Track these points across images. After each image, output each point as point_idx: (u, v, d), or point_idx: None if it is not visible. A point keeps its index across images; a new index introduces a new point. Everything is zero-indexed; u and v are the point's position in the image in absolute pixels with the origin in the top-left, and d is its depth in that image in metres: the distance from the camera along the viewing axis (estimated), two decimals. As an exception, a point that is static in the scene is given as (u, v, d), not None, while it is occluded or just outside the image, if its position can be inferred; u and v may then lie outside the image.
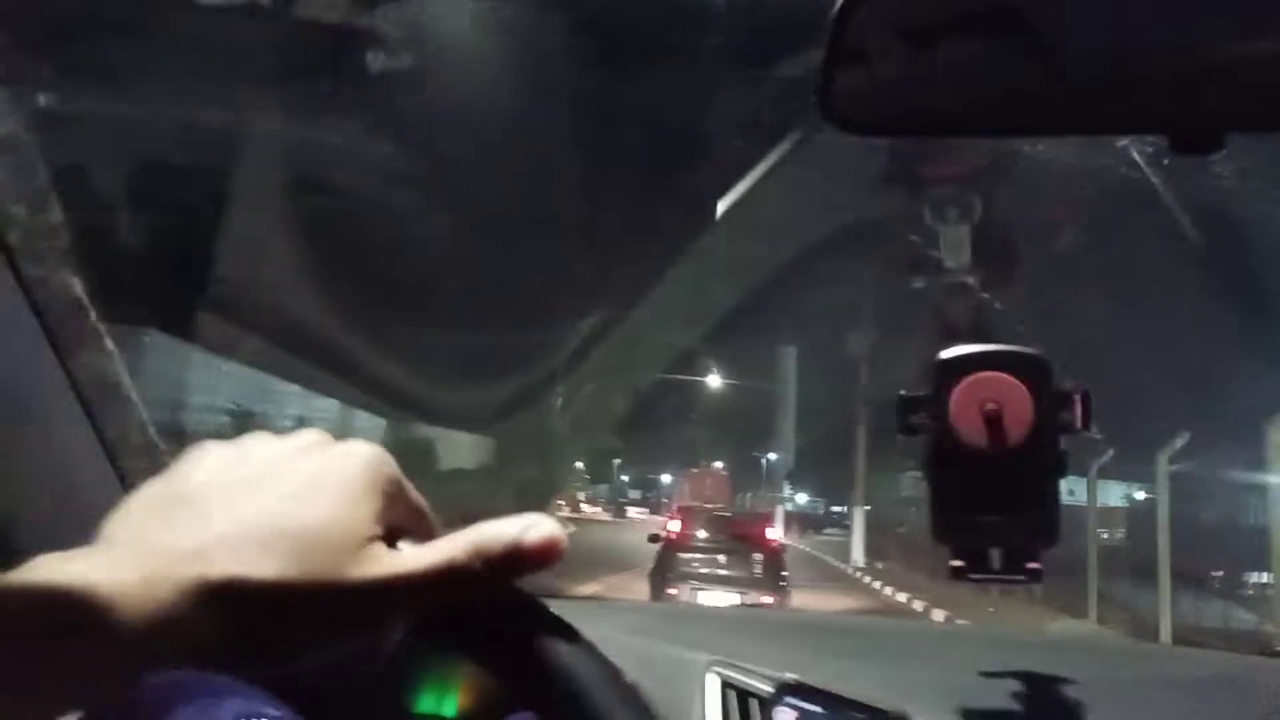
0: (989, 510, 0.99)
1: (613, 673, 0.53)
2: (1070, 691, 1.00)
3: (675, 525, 11.82)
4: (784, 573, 10.81)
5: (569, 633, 0.53)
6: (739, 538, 11.16)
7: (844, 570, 20.15)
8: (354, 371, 14.90)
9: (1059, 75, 0.82)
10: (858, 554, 21.33)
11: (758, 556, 10.83)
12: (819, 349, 26.54)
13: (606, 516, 34.49)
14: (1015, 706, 0.96)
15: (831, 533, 40.24)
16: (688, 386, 30.25)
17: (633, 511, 41.64)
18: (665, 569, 10.50)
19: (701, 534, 11.27)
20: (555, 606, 0.56)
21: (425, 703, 0.95)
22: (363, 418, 15.51)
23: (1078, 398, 1.09)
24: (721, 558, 10.62)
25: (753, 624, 1.22)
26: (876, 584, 17.99)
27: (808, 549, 26.69)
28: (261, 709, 0.98)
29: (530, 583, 0.55)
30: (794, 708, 0.85)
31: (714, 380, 29.01)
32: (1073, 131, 0.90)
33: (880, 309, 19.76)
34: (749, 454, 35.60)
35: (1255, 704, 0.99)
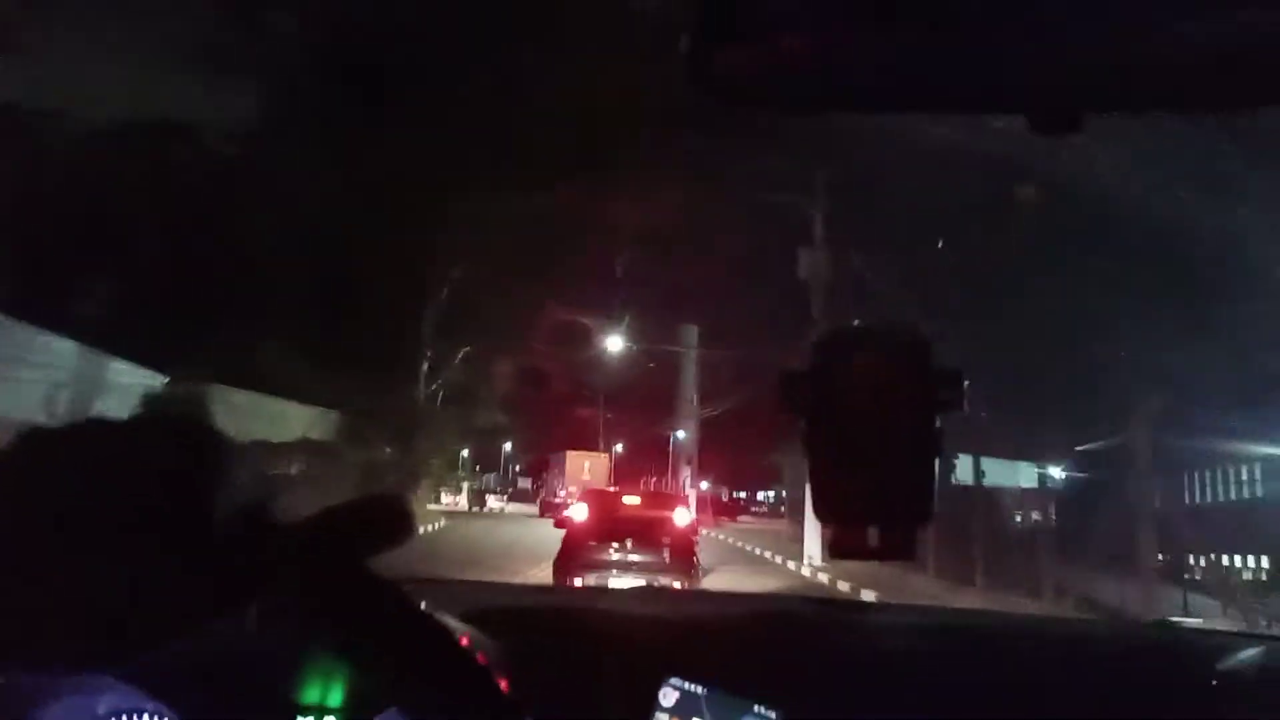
0: (867, 488, 1.00)
1: (476, 664, 0.52)
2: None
3: (579, 511, 11.11)
4: (696, 559, 10.37)
5: (430, 622, 0.52)
6: (647, 523, 10.41)
7: (799, 573, 15.14)
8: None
9: (941, 51, 0.83)
10: (813, 547, 15.20)
11: (667, 542, 10.17)
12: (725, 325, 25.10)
13: (465, 507, 32.70)
14: (884, 684, 0.98)
15: (747, 520, 39.12)
16: (588, 360, 28.01)
17: (493, 501, 39.99)
18: (569, 558, 9.82)
19: (606, 520, 10.50)
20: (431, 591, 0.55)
21: (310, 693, 0.93)
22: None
23: (956, 377, 1.10)
24: (629, 544, 9.91)
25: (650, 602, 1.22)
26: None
27: (729, 539, 23.64)
28: (139, 704, 0.95)
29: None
30: (677, 688, 0.86)
31: (614, 344, 26.75)
32: (942, 109, 0.91)
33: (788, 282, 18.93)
34: (658, 432, 33.45)
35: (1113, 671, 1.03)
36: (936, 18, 0.80)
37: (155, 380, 13.69)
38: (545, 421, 38.96)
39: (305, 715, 0.98)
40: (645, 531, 10.12)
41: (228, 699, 0.97)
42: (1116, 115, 0.95)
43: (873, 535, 1.10)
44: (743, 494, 45.75)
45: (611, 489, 14.49)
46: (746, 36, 0.89)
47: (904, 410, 1.12)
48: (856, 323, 1.05)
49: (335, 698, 0.98)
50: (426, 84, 17.48)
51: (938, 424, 1.15)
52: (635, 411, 35.13)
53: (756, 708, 0.88)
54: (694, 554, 10.36)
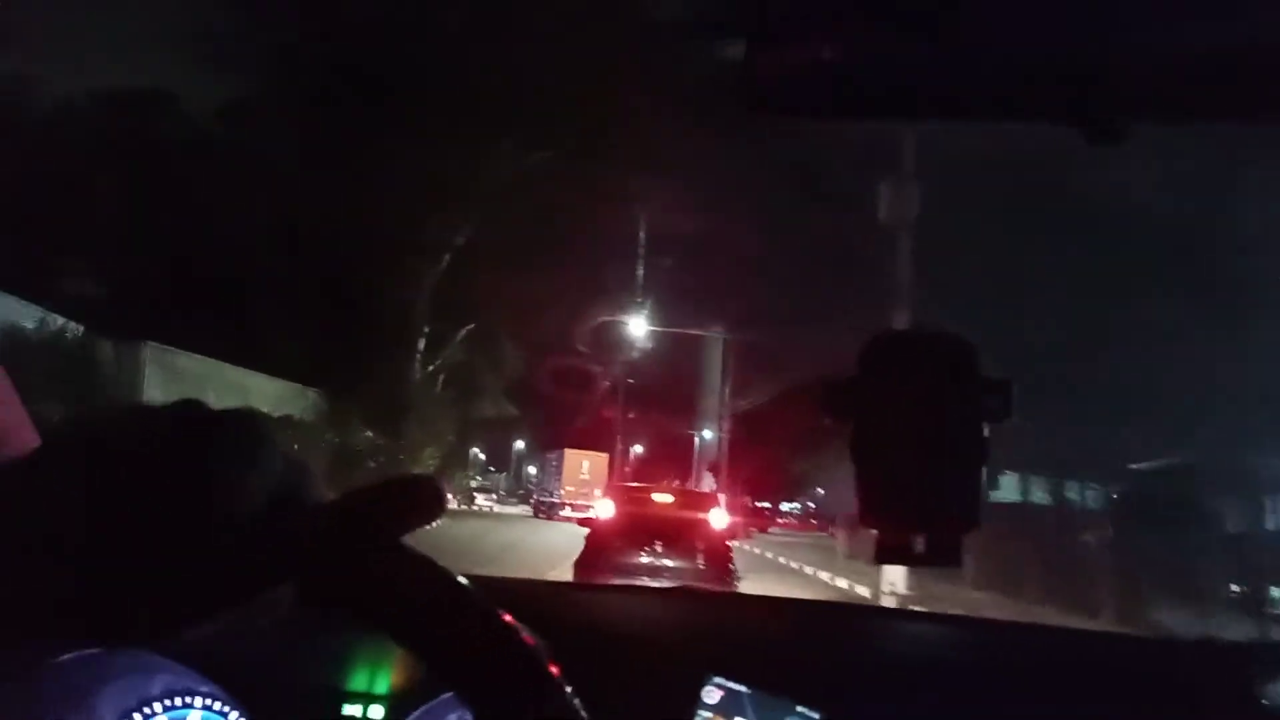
0: (914, 496, 1.01)
1: (532, 650, 0.53)
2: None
3: (606, 509, 10.14)
4: (732, 566, 9.48)
5: (485, 608, 0.53)
6: (679, 524, 9.47)
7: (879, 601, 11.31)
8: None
9: (981, 59, 0.84)
10: (895, 575, 11.66)
11: (701, 546, 9.28)
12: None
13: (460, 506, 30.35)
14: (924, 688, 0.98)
15: (778, 531, 37.40)
16: (608, 346, 24.96)
17: (481, 500, 37.64)
18: (592, 561, 8.90)
19: (634, 519, 9.53)
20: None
21: (357, 680, 0.95)
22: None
23: (1004, 385, 1.11)
24: (659, 547, 9.01)
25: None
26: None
27: (766, 552, 21.35)
28: (192, 686, 0.98)
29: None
30: (721, 687, 0.87)
31: (637, 328, 23.78)
32: (991, 117, 0.92)
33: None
34: (681, 432, 30.64)
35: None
36: (971, 25, 0.81)
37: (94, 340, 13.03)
38: (558, 416, 36.12)
39: (352, 702, 0.99)
40: (677, 533, 9.22)
41: (278, 684, 0.99)
42: (1166, 125, 0.95)
43: (919, 542, 1.10)
44: (766, 504, 43.44)
45: (639, 485, 12.81)
46: (784, 44, 0.90)
47: (952, 418, 1.12)
48: (903, 328, 1.05)
49: (382, 684, 1.00)
50: (427, 40, 16.67)
51: (985, 432, 1.15)
52: (658, 409, 32.36)
53: (800, 708, 0.89)
54: (730, 560, 9.58)
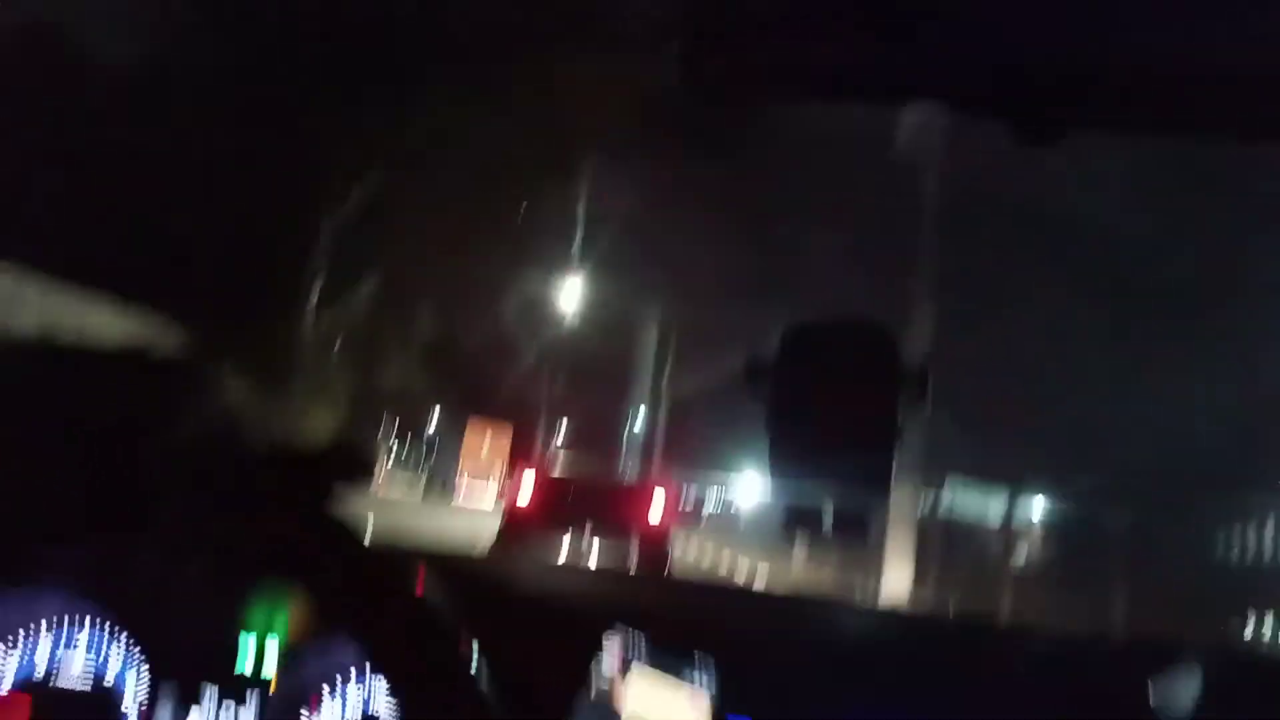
0: (825, 473, 1.02)
1: (433, 611, 0.54)
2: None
3: (523, 494, 9.19)
4: (671, 560, 8.92)
5: (389, 565, 0.54)
6: (611, 514, 8.69)
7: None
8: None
9: (923, 51, 0.86)
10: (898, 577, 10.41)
11: (636, 536, 8.55)
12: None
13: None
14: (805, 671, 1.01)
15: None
16: (536, 315, 21.93)
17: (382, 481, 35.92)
18: (506, 550, 8.00)
19: (558, 503, 8.73)
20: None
21: (255, 612, 0.95)
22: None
23: (921, 372, 1.13)
24: (587, 535, 8.25)
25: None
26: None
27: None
28: (82, 612, 0.98)
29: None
30: (620, 632, 0.89)
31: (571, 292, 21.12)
32: (919, 103, 0.94)
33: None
34: (616, 411, 27.54)
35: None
36: (917, 22, 0.83)
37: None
38: (479, 392, 33.16)
39: (249, 632, 1.00)
40: (609, 520, 8.44)
41: (171, 613, 0.99)
42: (1102, 130, 0.98)
43: (828, 520, 1.12)
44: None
45: (564, 465, 11.58)
46: (732, 40, 0.92)
47: (867, 402, 1.14)
48: (826, 316, 1.08)
49: (281, 617, 1.00)
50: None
51: (900, 418, 1.17)
52: (590, 389, 29.68)
53: (694, 655, 0.92)
54: (669, 553, 8.93)
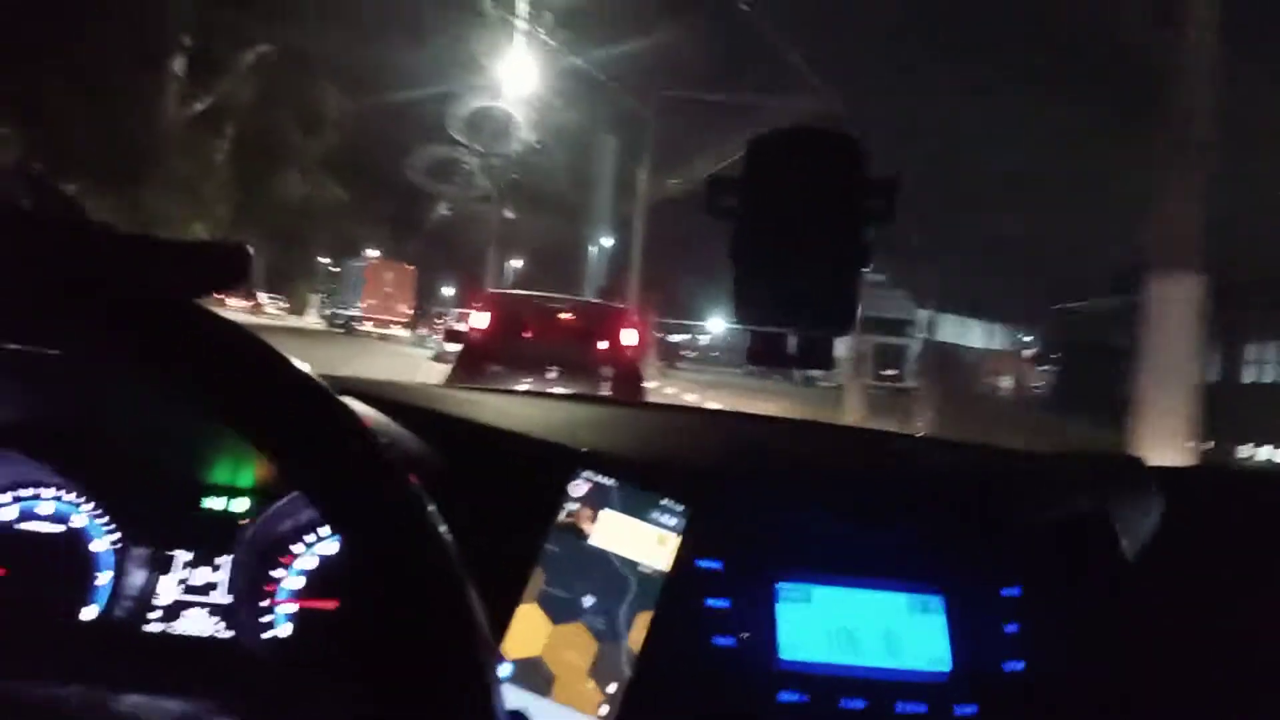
0: (790, 294, 1.00)
1: (384, 453, 0.51)
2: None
3: (480, 319, 8.45)
4: (644, 391, 8.67)
5: (335, 407, 0.51)
6: (578, 339, 8.15)
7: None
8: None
9: None
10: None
11: (606, 367, 7.98)
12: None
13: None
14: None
15: (684, 366, 33.80)
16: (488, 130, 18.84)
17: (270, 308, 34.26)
18: (468, 379, 7.44)
19: (521, 332, 8.14)
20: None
21: (219, 473, 0.94)
22: None
23: (888, 185, 1.08)
24: (553, 365, 7.59)
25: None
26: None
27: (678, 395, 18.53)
28: (43, 477, 0.95)
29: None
30: (589, 480, 0.88)
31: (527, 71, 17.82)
32: None
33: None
34: (576, 237, 25.37)
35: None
36: None
37: None
38: (412, 211, 28.83)
39: (214, 495, 0.98)
40: (576, 350, 7.93)
41: (133, 476, 0.97)
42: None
43: (792, 343, 1.11)
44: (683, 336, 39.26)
45: (527, 294, 10.19)
46: None
47: (832, 216, 1.10)
48: (787, 127, 1.02)
49: (246, 478, 0.99)
50: None
51: (867, 234, 1.13)
52: (547, 212, 26.54)
53: (665, 500, 0.91)
54: (642, 384, 8.45)
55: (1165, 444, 6.02)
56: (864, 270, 1.12)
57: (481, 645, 0.56)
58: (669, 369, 27.83)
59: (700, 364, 34.91)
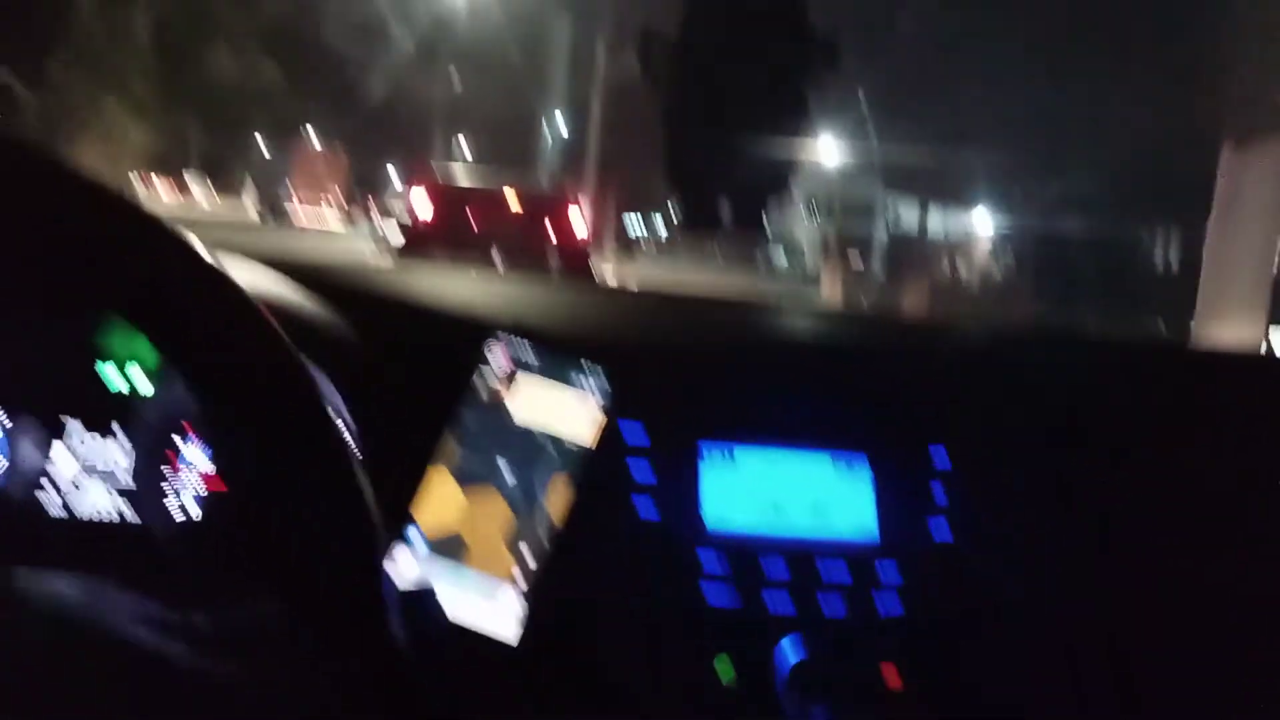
0: (721, 156, 0.95)
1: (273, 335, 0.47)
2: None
3: (421, 204, 8.14)
4: (594, 277, 8.36)
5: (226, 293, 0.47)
6: (526, 228, 7.81)
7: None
8: None
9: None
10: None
11: (552, 253, 7.80)
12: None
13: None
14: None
15: (646, 259, 31.49)
16: None
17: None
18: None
19: (463, 217, 7.81)
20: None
21: (114, 346, 0.89)
22: None
23: (830, 46, 1.04)
24: (499, 256, 7.35)
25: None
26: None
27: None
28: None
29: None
30: (501, 339, 0.84)
31: None
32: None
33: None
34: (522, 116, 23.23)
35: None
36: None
37: None
38: (351, 90, 25.68)
39: (108, 360, 0.93)
40: (521, 236, 7.65)
41: (16, 343, 0.92)
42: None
43: (725, 206, 1.07)
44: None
45: (466, 186, 9.38)
46: None
47: (768, 75, 1.06)
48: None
49: (142, 345, 0.93)
50: None
51: (806, 95, 1.09)
52: (496, 87, 23.84)
53: (584, 362, 0.88)
54: (591, 271, 8.26)
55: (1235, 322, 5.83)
56: (802, 132, 1.08)
57: (367, 524, 0.53)
58: (628, 261, 26.15)
59: (664, 256, 32.68)
